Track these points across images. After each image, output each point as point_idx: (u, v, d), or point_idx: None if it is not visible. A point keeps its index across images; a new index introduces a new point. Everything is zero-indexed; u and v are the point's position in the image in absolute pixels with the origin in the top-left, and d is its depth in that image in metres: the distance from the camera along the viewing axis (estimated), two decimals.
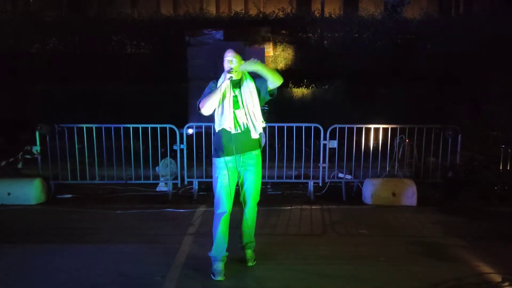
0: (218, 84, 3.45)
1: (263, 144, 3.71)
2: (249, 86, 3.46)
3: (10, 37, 10.75)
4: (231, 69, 3.36)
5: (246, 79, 3.49)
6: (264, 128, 3.65)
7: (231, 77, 3.35)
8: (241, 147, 3.45)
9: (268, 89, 3.48)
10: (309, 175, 6.15)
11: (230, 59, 3.40)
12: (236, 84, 3.45)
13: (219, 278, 3.36)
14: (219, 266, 3.42)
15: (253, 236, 3.73)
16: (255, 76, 3.53)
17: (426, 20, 11.19)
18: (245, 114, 3.44)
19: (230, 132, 3.40)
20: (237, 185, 3.63)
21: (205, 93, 3.45)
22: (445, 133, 5.90)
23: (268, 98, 3.56)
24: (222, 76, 3.46)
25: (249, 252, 3.69)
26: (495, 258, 3.77)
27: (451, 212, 5.21)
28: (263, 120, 3.57)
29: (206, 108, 3.36)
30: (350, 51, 10.48)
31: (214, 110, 3.42)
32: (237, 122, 3.41)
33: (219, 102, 3.39)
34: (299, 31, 11.19)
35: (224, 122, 3.39)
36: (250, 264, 3.65)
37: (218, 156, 3.48)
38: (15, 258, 3.79)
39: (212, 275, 3.39)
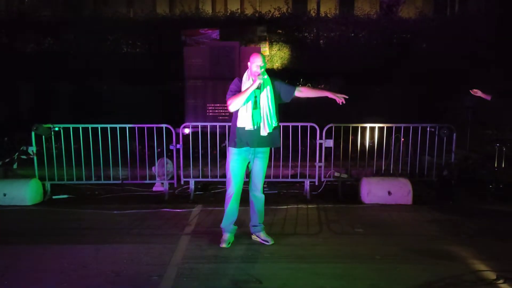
0: (244, 85, 3.88)
1: (278, 144, 4.12)
2: (267, 90, 3.88)
3: (5, 36, 10.70)
4: (260, 74, 3.79)
5: (266, 83, 3.91)
6: (277, 128, 3.99)
7: (261, 83, 3.77)
8: (253, 142, 3.91)
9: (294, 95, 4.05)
10: (306, 174, 6.17)
11: (260, 64, 3.83)
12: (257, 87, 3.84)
13: (225, 245, 3.99)
14: (226, 236, 4.07)
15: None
16: (275, 79, 4.02)
17: (421, 19, 11.24)
18: (260, 115, 3.86)
19: (244, 128, 3.85)
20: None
21: (232, 90, 3.90)
22: (440, 131, 5.93)
23: (289, 101, 4.11)
24: (248, 77, 3.90)
25: (263, 234, 4.16)
26: (490, 255, 3.80)
27: (446, 211, 5.24)
28: (276, 120, 3.96)
29: (234, 106, 3.83)
30: (346, 50, 10.51)
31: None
32: (253, 120, 3.84)
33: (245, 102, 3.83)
34: (295, 31, 11.21)
35: (245, 120, 3.84)
36: (272, 242, 4.10)
37: (232, 146, 3.95)
38: (11, 258, 3.78)
39: (220, 243, 4.01)
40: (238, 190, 4.00)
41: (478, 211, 5.27)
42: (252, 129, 3.83)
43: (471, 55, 9.01)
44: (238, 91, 3.88)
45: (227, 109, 3.99)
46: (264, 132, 3.87)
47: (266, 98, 3.88)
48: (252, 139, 3.88)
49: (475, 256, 3.80)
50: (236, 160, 3.94)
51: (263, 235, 4.16)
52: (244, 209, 5.29)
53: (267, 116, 3.86)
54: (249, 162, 4.02)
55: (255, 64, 3.82)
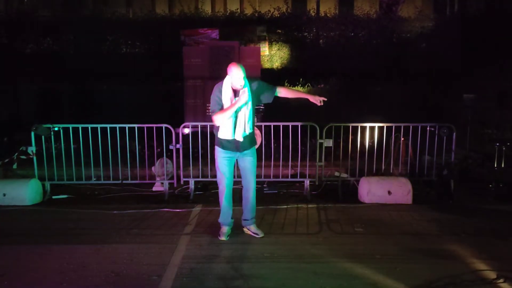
0: (225, 95, 3.99)
1: (258, 144, 4.29)
2: (246, 96, 3.94)
3: (4, 37, 10.70)
4: (243, 88, 3.96)
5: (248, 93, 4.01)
6: (259, 127, 4.08)
7: (247, 99, 3.92)
8: (238, 147, 4.12)
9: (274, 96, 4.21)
10: (305, 174, 6.17)
11: (242, 76, 3.92)
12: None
13: (224, 238, 4.21)
14: (225, 229, 4.29)
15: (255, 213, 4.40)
16: (254, 80, 4.17)
17: (421, 19, 11.24)
18: (241, 121, 4.01)
19: (226, 138, 4.04)
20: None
21: (215, 104, 4.03)
22: (440, 131, 5.93)
23: (270, 101, 4.28)
24: (227, 87, 4.00)
25: (254, 227, 4.35)
26: (490, 255, 3.80)
27: (446, 210, 5.24)
28: (252, 125, 4.13)
29: (221, 122, 3.99)
30: (346, 50, 10.52)
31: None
32: (234, 132, 4.01)
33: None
34: (295, 30, 11.22)
35: (227, 132, 4.00)
36: (262, 235, 4.29)
37: (219, 147, 4.15)
38: (11, 259, 3.78)
39: (218, 236, 4.23)
40: (229, 186, 4.22)
41: (478, 210, 5.27)
42: (233, 139, 4.01)
43: (470, 55, 9.01)
44: (221, 103, 3.99)
45: None
46: (240, 138, 4.02)
47: (246, 107, 4.01)
48: (235, 145, 4.08)
49: (475, 255, 3.80)
50: (224, 158, 4.14)
51: (253, 228, 4.35)
52: (240, 209, 5.28)
53: (244, 123, 4.01)
54: (236, 162, 4.27)
55: (238, 77, 3.90)
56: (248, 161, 4.21)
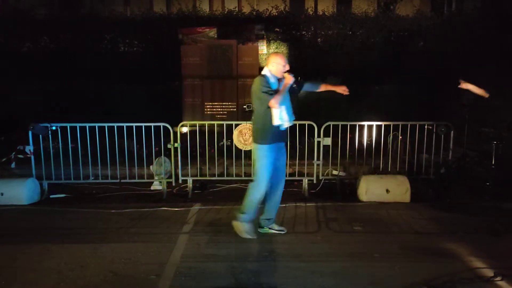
0: (272, 83, 4.06)
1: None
2: (291, 77, 4.10)
3: (1, 35, 10.65)
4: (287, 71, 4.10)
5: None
6: None
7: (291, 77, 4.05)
8: (283, 137, 4.25)
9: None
10: (304, 172, 6.18)
11: (286, 64, 4.11)
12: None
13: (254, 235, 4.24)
14: (250, 226, 4.26)
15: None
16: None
17: (418, 17, 11.25)
18: (288, 106, 4.12)
19: (279, 125, 4.07)
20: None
21: (269, 91, 4.00)
22: (437, 129, 5.94)
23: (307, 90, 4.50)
24: (273, 76, 4.10)
25: (277, 225, 4.43)
26: (488, 253, 3.81)
27: (444, 208, 5.26)
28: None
29: (278, 105, 3.98)
30: (344, 48, 10.51)
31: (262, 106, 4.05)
32: (288, 117, 4.12)
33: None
34: (293, 29, 11.20)
35: (280, 118, 4.04)
36: (286, 231, 4.39)
37: (266, 143, 4.10)
38: (8, 258, 3.77)
39: (245, 233, 4.21)
40: (268, 186, 4.22)
41: (475, 208, 5.29)
42: (284, 125, 4.10)
43: (469, 53, 9.02)
44: (272, 92, 4.01)
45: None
46: (291, 123, 4.15)
47: (289, 94, 4.13)
48: (281, 134, 4.16)
49: (472, 253, 3.82)
50: (271, 157, 4.12)
51: (276, 226, 4.41)
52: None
53: (292, 108, 4.16)
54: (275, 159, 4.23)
55: (282, 64, 4.08)
56: (284, 157, 4.30)
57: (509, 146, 5.45)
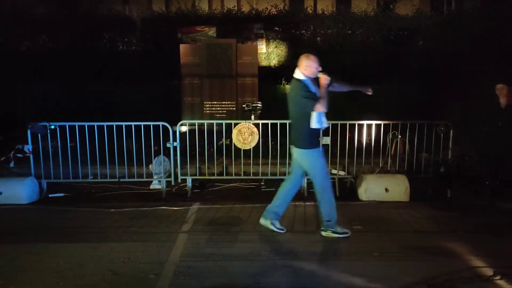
0: (310, 87, 4.08)
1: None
2: (327, 77, 4.12)
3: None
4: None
5: None
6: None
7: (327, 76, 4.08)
8: (320, 139, 4.32)
9: None
10: None
11: (318, 64, 4.11)
12: None
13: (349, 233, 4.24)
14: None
15: None
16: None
17: (418, 17, 11.25)
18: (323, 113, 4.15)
19: (320, 127, 4.16)
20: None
21: (312, 95, 4.03)
22: (437, 128, 5.94)
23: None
24: (308, 82, 4.09)
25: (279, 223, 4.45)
26: (487, 252, 3.81)
27: (443, 207, 5.26)
28: None
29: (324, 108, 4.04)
30: (343, 47, 10.51)
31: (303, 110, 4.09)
32: (325, 119, 4.18)
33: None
34: (292, 28, 11.20)
35: (322, 120, 4.11)
36: (285, 230, 4.41)
37: (316, 147, 4.17)
38: (7, 257, 3.76)
39: (345, 234, 4.21)
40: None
41: (475, 207, 5.29)
42: (323, 127, 4.22)
43: (468, 53, 9.02)
44: (314, 95, 4.04)
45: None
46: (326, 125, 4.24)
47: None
48: (319, 136, 4.27)
49: (472, 252, 3.82)
50: (323, 158, 4.24)
51: (278, 224, 4.40)
52: (242, 207, 5.29)
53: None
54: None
55: (317, 65, 4.10)
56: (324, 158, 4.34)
57: (509, 145, 5.45)
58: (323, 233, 4.25)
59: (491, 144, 5.71)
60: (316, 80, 4.13)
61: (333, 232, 4.21)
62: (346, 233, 4.21)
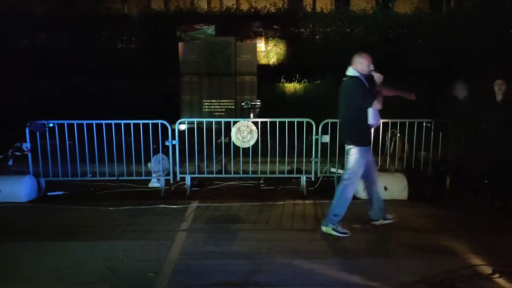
0: (366, 84, 4.16)
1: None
2: (380, 74, 4.22)
3: None
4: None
5: None
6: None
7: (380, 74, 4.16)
8: (370, 137, 4.39)
9: None
10: (302, 170, 6.17)
11: (370, 63, 4.21)
12: None
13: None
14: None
15: None
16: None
17: (417, 15, 11.24)
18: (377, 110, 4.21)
19: (373, 124, 4.22)
20: None
21: (367, 95, 4.10)
22: (436, 127, 5.93)
23: None
24: (363, 79, 4.17)
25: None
26: (486, 250, 3.81)
27: (442, 206, 5.26)
28: None
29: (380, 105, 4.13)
30: (342, 46, 10.49)
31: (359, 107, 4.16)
32: (377, 117, 4.21)
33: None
34: (291, 26, 11.19)
35: (376, 117, 4.17)
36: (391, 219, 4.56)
37: (363, 145, 4.22)
38: (5, 256, 3.76)
39: (345, 233, 4.22)
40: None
41: (473, 206, 5.29)
42: (377, 124, 4.29)
43: (468, 51, 9.02)
44: (369, 90, 4.13)
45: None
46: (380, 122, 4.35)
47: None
48: (370, 135, 4.34)
49: (471, 250, 3.82)
50: (367, 158, 4.26)
51: (385, 217, 4.53)
52: (240, 205, 5.29)
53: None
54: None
55: (367, 63, 4.20)
56: (372, 156, 4.40)
57: (509, 144, 5.46)
58: (323, 228, 4.28)
59: (489, 143, 5.72)
60: (368, 78, 4.21)
61: (333, 230, 4.22)
62: (346, 233, 4.22)
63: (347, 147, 4.30)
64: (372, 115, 4.16)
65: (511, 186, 5.32)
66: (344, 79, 4.31)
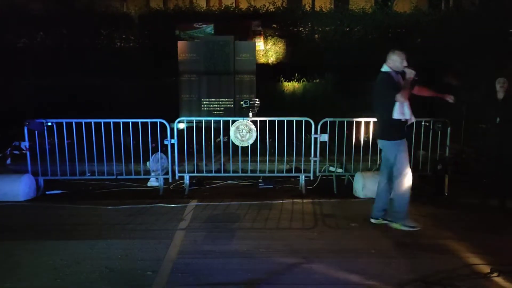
0: (396, 80, 4.23)
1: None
2: (412, 71, 4.25)
3: None
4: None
5: None
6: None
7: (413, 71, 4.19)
8: (406, 133, 4.35)
9: None
10: (301, 168, 6.17)
11: (404, 59, 4.26)
12: None
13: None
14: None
15: None
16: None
17: (416, 14, 11.24)
18: (407, 105, 4.24)
19: (405, 119, 4.23)
20: None
21: (397, 86, 4.15)
22: (434, 126, 5.94)
23: None
24: (394, 73, 4.26)
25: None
26: (484, 249, 3.82)
27: (441, 205, 5.27)
28: None
29: (405, 99, 4.15)
30: (341, 45, 10.49)
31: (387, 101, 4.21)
32: (405, 111, 4.22)
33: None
34: (290, 25, 11.18)
35: (406, 110, 4.19)
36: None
37: (399, 138, 4.28)
38: (4, 255, 3.75)
39: (414, 227, 4.30)
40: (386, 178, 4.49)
41: (472, 205, 5.30)
42: (409, 120, 4.27)
43: (467, 50, 9.02)
44: (397, 86, 4.18)
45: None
46: (412, 120, 4.29)
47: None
48: (406, 130, 4.34)
49: (469, 249, 3.83)
50: (405, 150, 4.28)
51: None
52: (239, 204, 5.29)
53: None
54: None
55: (401, 60, 4.25)
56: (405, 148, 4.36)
57: (509, 143, 5.47)
58: (392, 225, 4.41)
59: (489, 142, 5.72)
60: (401, 75, 4.27)
61: (403, 225, 4.34)
62: (414, 227, 4.31)
63: (379, 142, 4.43)
64: (398, 110, 4.17)
65: (510, 185, 5.32)
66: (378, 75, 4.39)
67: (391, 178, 4.41)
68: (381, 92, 4.31)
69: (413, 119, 4.34)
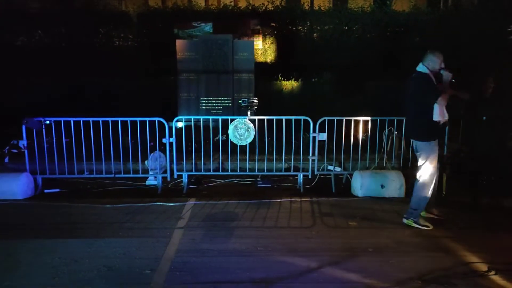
0: (434, 82, 4.24)
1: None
2: (449, 73, 4.31)
3: None
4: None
5: None
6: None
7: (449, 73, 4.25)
8: (441, 133, 4.53)
9: None
10: (299, 167, 6.18)
11: (442, 61, 4.30)
12: None
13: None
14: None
15: None
16: None
17: (415, 13, 11.24)
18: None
19: (441, 120, 4.25)
20: None
21: (435, 92, 4.18)
22: None
23: None
24: (432, 77, 4.26)
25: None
26: (481, 248, 3.83)
27: (438, 203, 5.27)
28: None
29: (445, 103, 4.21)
30: (340, 44, 10.49)
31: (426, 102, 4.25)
32: (444, 113, 4.27)
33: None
34: (289, 24, 11.16)
35: (443, 112, 4.22)
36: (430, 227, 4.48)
37: (432, 140, 4.32)
38: (2, 253, 3.75)
39: (426, 226, 4.38)
40: None
41: (469, 203, 5.31)
42: (445, 120, 4.30)
43: (466, 49, 9.03)
44: (437, 88, 4.20)
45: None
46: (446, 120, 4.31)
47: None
48: (441, 130, 4.46)
49: (466, 248, 3.84)
50: (437, 151, 4.34)
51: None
52: (238, 203, 5.29)
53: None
54: None
55: (439, 61, 4.27)
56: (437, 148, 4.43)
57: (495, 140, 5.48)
58: (405, 221, 4.46)
59: (479, 140, 5.73)
60: (438, 76, 4.27)
61: (415, 222, 4.40)
62: (427, 226, 4.36)
63: (414, 143, 4.43)
64: (438, 112, 4.20)
65: (506, 183, 5.33)
66: (414, 75, 4.36)
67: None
68: (419, 93, 4.29)
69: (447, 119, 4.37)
